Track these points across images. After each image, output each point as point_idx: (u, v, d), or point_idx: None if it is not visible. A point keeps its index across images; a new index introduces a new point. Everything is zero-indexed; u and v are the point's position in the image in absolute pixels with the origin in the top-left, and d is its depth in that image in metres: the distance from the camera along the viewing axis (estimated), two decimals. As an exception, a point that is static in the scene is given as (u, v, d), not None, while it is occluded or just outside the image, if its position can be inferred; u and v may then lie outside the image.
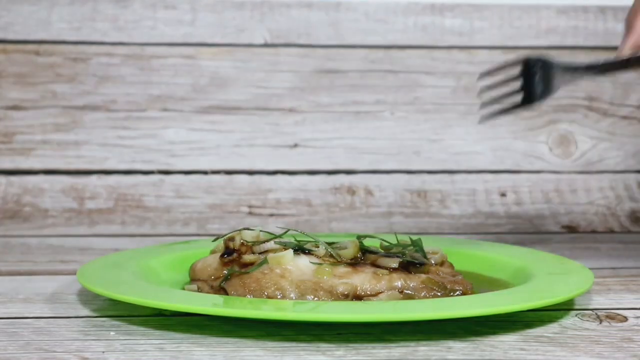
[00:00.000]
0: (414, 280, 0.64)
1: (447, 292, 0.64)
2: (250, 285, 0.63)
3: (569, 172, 1.08)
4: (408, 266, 0.67)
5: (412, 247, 0.70)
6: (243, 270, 0.65)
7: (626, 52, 0.70)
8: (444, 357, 0.54)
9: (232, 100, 1.07)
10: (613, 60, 0.70)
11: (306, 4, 1.09)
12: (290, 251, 0.65)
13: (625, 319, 0.63)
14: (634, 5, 0.72)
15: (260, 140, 1.07)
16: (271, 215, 1.04)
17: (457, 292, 0.64)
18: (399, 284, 0.64)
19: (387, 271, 0.65)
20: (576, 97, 1.09)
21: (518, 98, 0.67)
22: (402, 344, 0.56)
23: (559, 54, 1.10)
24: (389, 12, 1.10)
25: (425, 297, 0.63)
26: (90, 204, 1.03)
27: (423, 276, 0.65)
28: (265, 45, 1.08)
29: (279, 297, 0.62)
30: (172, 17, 1.08)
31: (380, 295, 0.63)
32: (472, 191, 1.07)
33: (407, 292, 0.63)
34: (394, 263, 0.65)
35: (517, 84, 0.67)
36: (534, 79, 0.67)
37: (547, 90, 0.67)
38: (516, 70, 0.67)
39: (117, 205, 1.03)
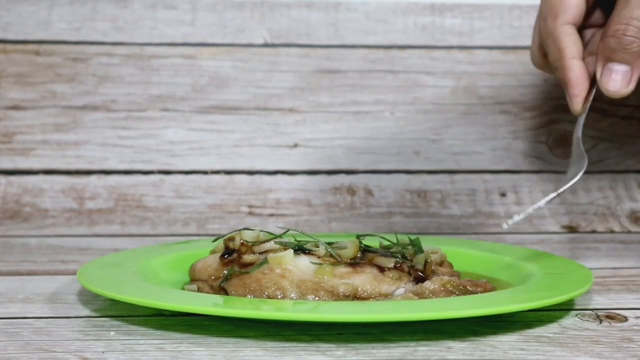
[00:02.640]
0: (436, 283, 0.64)
1: (469, 295, 0.64)
2: (251, 285, 0.63)
3: (569, 172, 1.08)
4: (408, 267, 0.67)
5: (410, 247, 0.70)
6: (243, 270, 0.65)
7: (576, 105, 0.72)
8: (444, 357, 0.54)
9: (232, 100, 1.07)
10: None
11: (306, 4, 1.09)
12: (291, 251, 0.65)
13: (625, 319, 0.63)
14: (555, 65, 0.73)
15: (260, 140, 1.07)
16: (271, 215, 1.04)
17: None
18: (411, 286, 0.64)
19: (394, 273, 0.65)
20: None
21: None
22: (402, 344, 0.56)
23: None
24: (389, 12, 1.10)
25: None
26: (90, 204, 1.03)
27: (446, 279, 0.64)
28: (265, 45, 1.08)
29: (279, 297, 0.62)
30: (172, 17, 1.08)
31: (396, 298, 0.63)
32: (472, 191, 1.07)
33: (425, 296, 0.63)
34: (390, 263, 0.65)
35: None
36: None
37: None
38: None
39: (117, 205, 1.03)
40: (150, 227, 1.02)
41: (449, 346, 0.56)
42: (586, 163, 0.70)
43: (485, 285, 0.65)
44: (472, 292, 0.64)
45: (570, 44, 0.71)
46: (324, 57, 1.09)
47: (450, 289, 0.63)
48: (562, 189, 0.69)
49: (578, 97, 0.71)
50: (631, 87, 0.70)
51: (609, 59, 0.70)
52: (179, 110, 1.07)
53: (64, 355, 0.54)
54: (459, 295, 0.63)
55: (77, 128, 1.05)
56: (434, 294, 0.63)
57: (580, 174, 0.69)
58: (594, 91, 0.72)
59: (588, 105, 0.72)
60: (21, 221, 1.01)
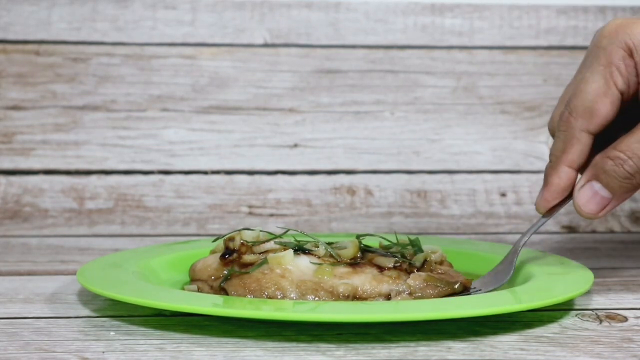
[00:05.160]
0: (417, 280, 0.64)
1: (451, 286, 0.64)
2: (251, 285, 0.63)
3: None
4: (409, 266, 0.67)
5: (410, 247, 0.70)
6: (243, 270, 0.65)
7: (541, 207, 0.68)
8: (444, 357, 0.54)
9: (232, 100, 1.07)
10: (538, 222, 0.69)
11: (306, 4, 1.09)
12: (291, 251, 0.65)
13: (625, 319, 0.63)
14: (550, 159, 0.68)
15: (260, 140, 1.07)
16: (271, 215, 1.04)
17: (458, 284, 0.64)
18: (403, 287, 0.64)
19: (393, 273, 0.65)
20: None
21: None
22: (402, 344, 0.56)
23: (559, 54, 1.10)
24: (389, 12, 1.10)
25: (432, 294, 0.63)
26: (90, 204, 1.03)
27: (423, 274, 0.65)
28: (265, 45, 1.08)
29: (279, 297, 0.62)
30: (172, 17, 1.08)
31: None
32: (472, 191, 1.07)
33: (417, 294, 0.63)
34: (389, 262, 0.66)
35: None
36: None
37: None
38: None
39: (117, 205, 1.03)
40: (150, 227, 1.02)
41: (449, 346, 0.56)
42: (508, 279, 0.67)
43: (455, 274, 0.66)
44: (452, 284, 0.64)
45: (575, 152, 0.66)
46: (324, 57, 1.09)
47: (432, 283, 0.63)
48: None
49: (549, 202, 0.68)
50: (601, 214, 0.66)
51: (596, 177, 0.65)
52: (179, 110, 1.07)
53: (64, 355, 0.54)
54: (443, 287, 0.63)
55: (77, 128, 1.06)
56: (418, 290, 0.63)
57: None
58: (568, 202, 0.68)
59: (553, 214, 0.68)
60: (21, 221, 1.01)
